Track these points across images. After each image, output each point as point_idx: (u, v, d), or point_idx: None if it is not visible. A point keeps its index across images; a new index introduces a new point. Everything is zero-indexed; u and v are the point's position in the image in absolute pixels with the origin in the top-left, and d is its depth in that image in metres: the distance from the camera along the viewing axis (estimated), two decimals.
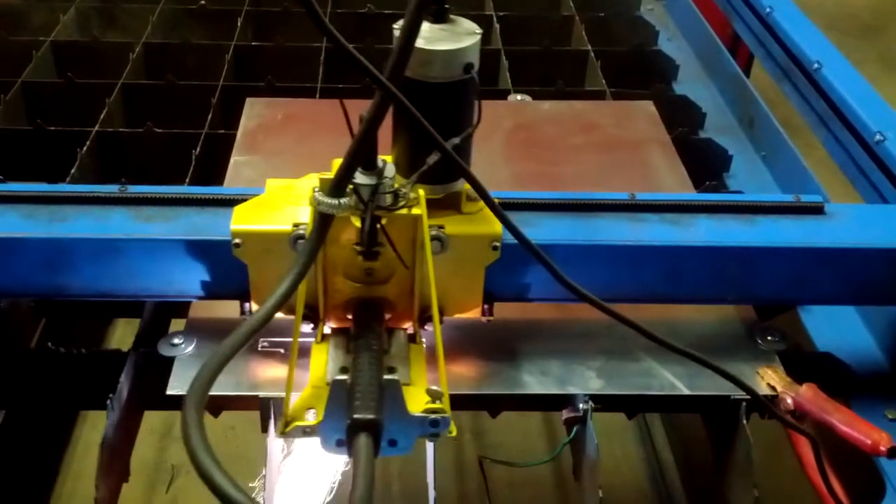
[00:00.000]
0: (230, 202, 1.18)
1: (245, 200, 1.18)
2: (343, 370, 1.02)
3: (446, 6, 1.02)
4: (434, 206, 1.06)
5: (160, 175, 1.75)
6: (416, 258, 1.06)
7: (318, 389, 1.01)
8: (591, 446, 1.15)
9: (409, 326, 1.12)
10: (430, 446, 1.24)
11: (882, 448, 1.05)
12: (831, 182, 1.67)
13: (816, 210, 1.25)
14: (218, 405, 1.18)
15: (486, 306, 1.16)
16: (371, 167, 0.96)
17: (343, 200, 0.93)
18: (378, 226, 1.00)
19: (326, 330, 1.11)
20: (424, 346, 1.10)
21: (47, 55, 2.03)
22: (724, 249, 1.19)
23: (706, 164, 1.75)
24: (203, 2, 2.28)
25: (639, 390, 1.19)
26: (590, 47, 2.12)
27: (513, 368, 1.21)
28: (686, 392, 1.18)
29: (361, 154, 0.93)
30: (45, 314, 1.50)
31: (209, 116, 1.78)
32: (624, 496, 2.39)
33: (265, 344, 1.21)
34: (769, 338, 1.26)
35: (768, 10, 1.95)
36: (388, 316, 1.10)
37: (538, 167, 1.62)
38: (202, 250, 1.14)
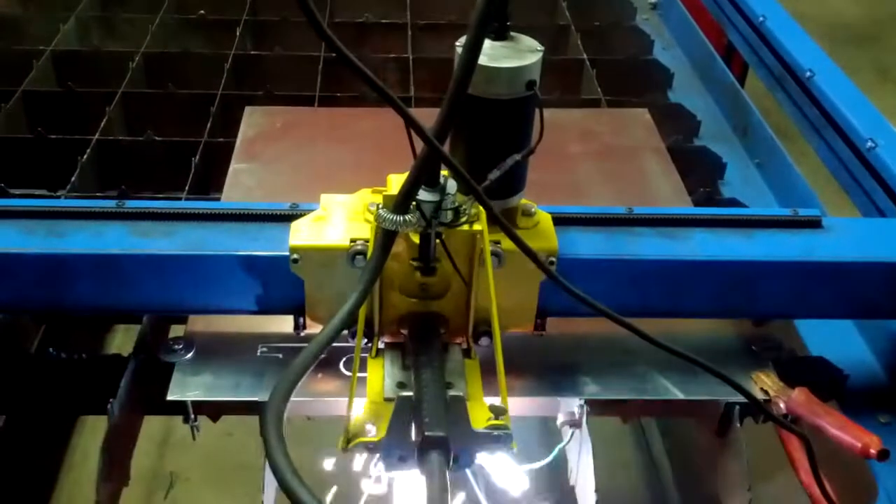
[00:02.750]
0: (227, 217, 1.19)
1: (240, 215, 1.19)
2: (401, 385, 1.03)
3: (507, 24, 1.03)
4: (490, 221, 1.06)
5: (160, 183, 1.77)
6: (473, 273, 1.07)
7: (376, 405, 1.01)
8: (587, 450, 1.16)
9: (462, 341, 1.13)
10: None
11: (872, 451, 1.06)
12: (824, 189, 1.69)
13: (814, 224, 1.25)
14: (217, 409, 1.20)
15: (538, 321, 1.17)
16: (433, 184, 0.97)
17: (407, 217, 0.93)
18: (438, 241, 1.01)
19: (380, 345, 1.12)
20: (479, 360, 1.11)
21: (48, 64, 2.05)
22: (722, 264, 1.19)
23: (701, 172, 1.76)
24: (202, 11, 2.30)
25: (634, 395, 1.20)
26: (585, 56, 2.14)
27: (509, 374, 1.22)
28: (680, 396, 1.20)
29: (426, 171, 0.93)
30: (45, 320, 1.51)
31: (208, 125, 1.80)
32: (620, 501, 2.39)
33: (264, 349, 1.22)
34: (763, 343, 1.27)
35: (762, 18, 1.97)
36: (442, 331, 1.11)
37: (534, 175, 1.62)
38: (199, 265, 1.15)
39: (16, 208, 1.20)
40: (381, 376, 1.07)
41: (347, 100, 1.88)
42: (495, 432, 0.98)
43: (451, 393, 0.97)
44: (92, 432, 2.42)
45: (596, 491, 1.14)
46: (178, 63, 2.09)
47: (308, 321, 1.16)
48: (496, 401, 1.01)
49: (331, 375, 1.18)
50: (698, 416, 1.28)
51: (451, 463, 0.91)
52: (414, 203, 0.95)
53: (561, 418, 1.22)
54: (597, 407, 1.19)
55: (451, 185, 0.99)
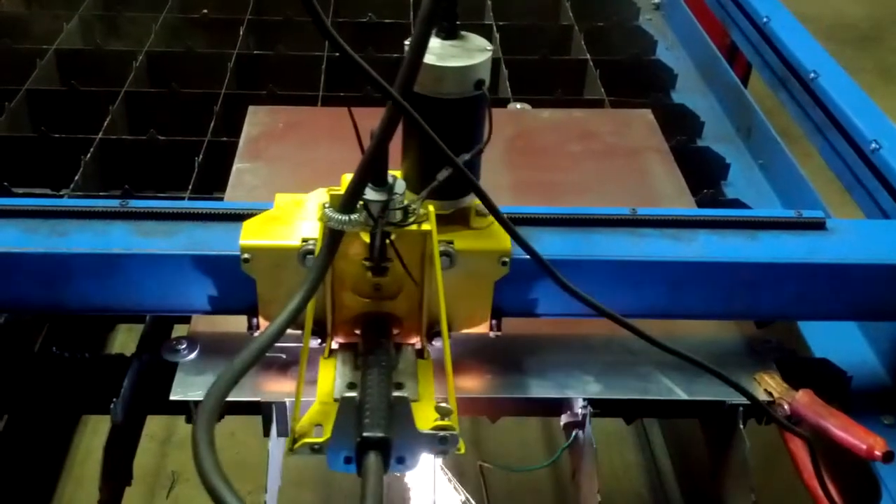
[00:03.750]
0: (230, 217, 1.19)
1: (244, 215, 1.18)
2: (351, 386, 1.02)
3: (457, 22, 1.02)
4: (443, 221, 1.07)
5: (163, 182, 1.77)
6: (425, 273, 1.06)
7: (325, 406, 1.01)
8: (590, 451, 1.16)
9: (416, 341, 1.13)
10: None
11: (877, 452, 1.06)
12: (828, 190, 1.69)
13: (818, 226, 1.25)
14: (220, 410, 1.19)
15: (494, 321, 1.17)
16: (381, 183, 0.96)
17: (353, 217, 0.93)
18: (387, 241, 1.00)
19: (334, 345, 1.12)
20: (432, 361, 1.11)
21: (51, 63, 2.05)
22: (726, 265, 1.19)
23: (704, 173, 1.76)
24: (205, 10, 2.30)
25: (637, 395, 1.20)
26: (589, 56, 2.14)
27: (513, 374, 1.22)
28: (684, 397, 1.19)
29: (372, 170, 0.93)
30: (48, 319, 1.51)
31: (212, 124, 1.80)
32: (623, 502, 2.39)
33: None
34: (766, 345, 1.27)
35: (765, 19, 1.97)
36: (395, 331, 1.10)
37: (537, 175, 1.63)
38: (202, 265, 1.15)
39: (19, 207, 1.20)
40: (332, 377, 1.06)
41: (351, 99, 1.88)
42: (441, 433, 0.97)
43: (395, 393, 0.95)
44: (94, 431, 2.43)
45: (598, 492, 1.14)
46: (181, 62, 2.09)
47: (261, 321, 1.16)
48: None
49: None
50: (701, 417, 1.28)
51: (389, 464, 0.90)
52: (362, 202, 0.95)
53: (564, 419, 1.22)
54: (600, 407, 1.18)
55: (400, 185, 0.98)
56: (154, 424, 2.20)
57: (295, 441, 0.98)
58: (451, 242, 1.07)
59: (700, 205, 1.61)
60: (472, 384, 1.21)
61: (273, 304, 1.12)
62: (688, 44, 2.27)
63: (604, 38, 2.28)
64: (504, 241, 1.09)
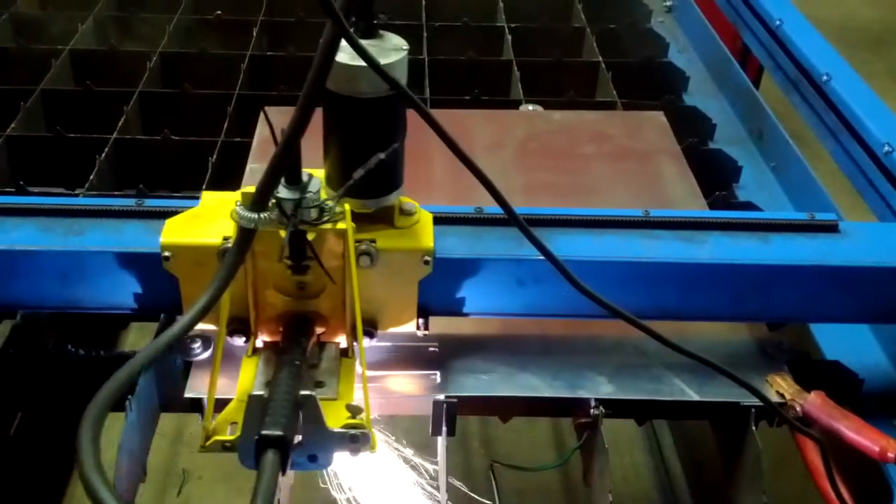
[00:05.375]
0: None
1: None
2: (268, 385, 1.02)
3: (375, 21, 1.02)
4: (366, 220, 1.07)
5: (177, 182, 1.78)
6: (347, 272, 1.06)
7: (242, 403, 1.00)
8: (602, 451, 1.16)
9: (343, 340, 1.12)
10: (441, 452, 1.25)
11: (890, 455, 1.06)
12: (840, 193, 1.69)
13: (831, 228, 1.25)
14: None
15: (421, 320, 1.17)
16: (295, 181, 0.96)
17: (264, 215, 0.93)
18: (306, 240, 1.00)
19: (259, 344, 1.12)
20: (357, 360, 1.10)
21: (66, 63, 2.06)
22: (738, 267, 1.19)
23: (716, 175, 1.76)
24: (219, 12, 2.31)
25: (649, 396, 1.20)
26: (601, 58, 2.14)
27: (524, 374, 1.22)
28: (696, 398, 1.20)
29: (283, 168, 0.92)
30: (63, 318, 1.52)
31: (225, 124, 1.81)
32: None
33: None
34: (777, 347, 1.27)
35: (778, 22, 1.96)
36: (321, 330, 1.10)
37: (549, 177, 1.64)
38: None
39: (35, 206, 1.21)
40: (253, 375, 1.06)
41: None
42: (351, 432, 0.97)
43: (304, 392, 0.94)
44: (106, 429, 2.44)
45: (610, 492, 1.14)
46: (194, 63, 2.10)
47: None
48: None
49: None
50: (713, 418, 1.28)
51: (288, 463, 0.89)
52: (275, 200, 0.94)
53: (575, 420, 1.22)
54: (612, 408, 1.19)
55: (315, 183, 0.98)
56: (164, 422, 2.21)
57: (207, 438, 0.98)
58: (373, 241, 1.06)
59: (712, 207, 1.61)
60: (482, 384, 1.21)
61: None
62: (700, 46, 2.26)
63: (616, 40, 2.29)
64: (426, 240, 1.09)
